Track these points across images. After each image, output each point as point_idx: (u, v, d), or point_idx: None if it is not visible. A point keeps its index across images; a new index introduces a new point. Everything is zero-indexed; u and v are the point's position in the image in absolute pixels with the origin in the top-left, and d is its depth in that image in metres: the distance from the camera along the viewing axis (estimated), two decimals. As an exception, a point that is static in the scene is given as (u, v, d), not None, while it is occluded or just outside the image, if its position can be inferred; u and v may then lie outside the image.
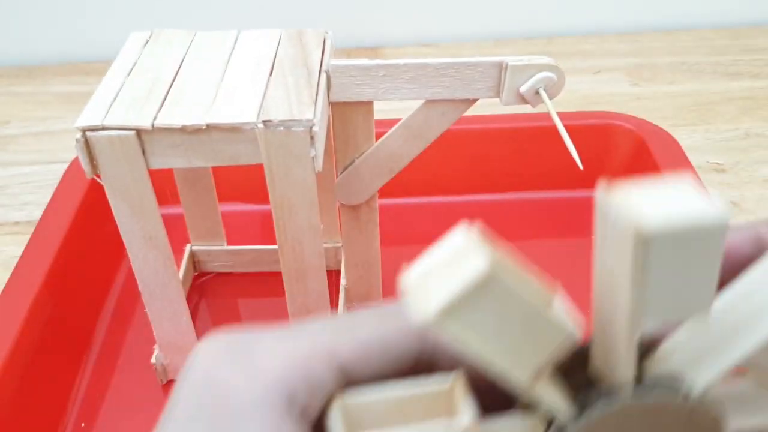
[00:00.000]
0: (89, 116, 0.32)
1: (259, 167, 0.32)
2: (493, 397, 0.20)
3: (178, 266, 0.46)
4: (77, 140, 0.31)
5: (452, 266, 0.18)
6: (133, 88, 0.33)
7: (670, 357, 0.21)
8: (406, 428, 0.19)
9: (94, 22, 0.72)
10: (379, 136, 0.37)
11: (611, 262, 0.18)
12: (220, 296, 0.47)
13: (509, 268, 0.18)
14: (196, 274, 0.48)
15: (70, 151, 0.38)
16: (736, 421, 0.22)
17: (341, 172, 0.39)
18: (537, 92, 0.35)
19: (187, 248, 0.47)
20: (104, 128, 0.31)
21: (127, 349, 0.44)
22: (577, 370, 0.21)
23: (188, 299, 0.47)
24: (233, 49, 0.36)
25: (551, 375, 0.20)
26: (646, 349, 0.20)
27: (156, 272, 0.36)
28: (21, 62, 0.72)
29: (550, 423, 0.20)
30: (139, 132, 0.31)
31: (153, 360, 0.40)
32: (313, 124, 0.31)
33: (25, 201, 0.56)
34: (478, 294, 0.17)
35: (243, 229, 0.49)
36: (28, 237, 0.44)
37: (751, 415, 0.22)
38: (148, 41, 0.37)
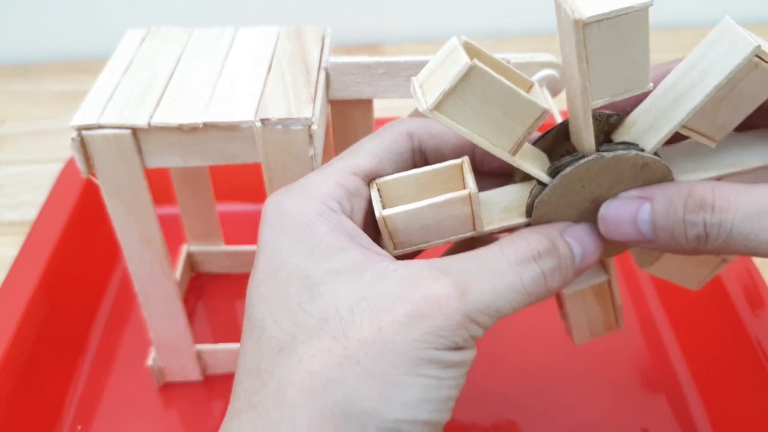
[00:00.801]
0: (85, 115, 0.31)
1: (257, 167, 0.32)
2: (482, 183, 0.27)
3: (175, 267, 0.45)
4: (73, 139, 0.31)
5: (444, 66, 0.24)
6: (130, 86, 0.33)
7: (630, 129, 0.27)
8: (425, 198, 0.26)
9: (89, 20, 0.71)
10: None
11: (566, 50, 0.24)
12: (218, 297, 0.47)
13: (490, 63, 0.24)
14: (193, 275, 0.48)
15: (66, 150, 0.37)
16: (681, 167, 0.27)
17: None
18: (539, 90, 0.35)
19: (184, 249, 0.46)
20: (100, 127, 0.31)
21: (123, 351, 0.43)
22: (559, 147, 0.27)
23: (185, 300, 0.46)
24: (231, 46, 0.36)
25: (538, 154, 0.27)
26: (616, 124, 0.27)
27: (152, 273, 0.35)
28: (16, 61, 0.72)
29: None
30: (135, 131, 0.31)
31: (149, 362, 0.40)
32: (312, 123, 0.30)
33: (21, 201, 0.56)
34: (464, 83, 0.23)
35: (241, 230, 0.49)
36: (23, 237, 0.43)
37: (693, 162, 0.27)
38: (144, 39, 0.36)
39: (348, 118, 0.37)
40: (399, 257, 0.27)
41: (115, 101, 0.32)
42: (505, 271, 0.26)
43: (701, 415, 0.39)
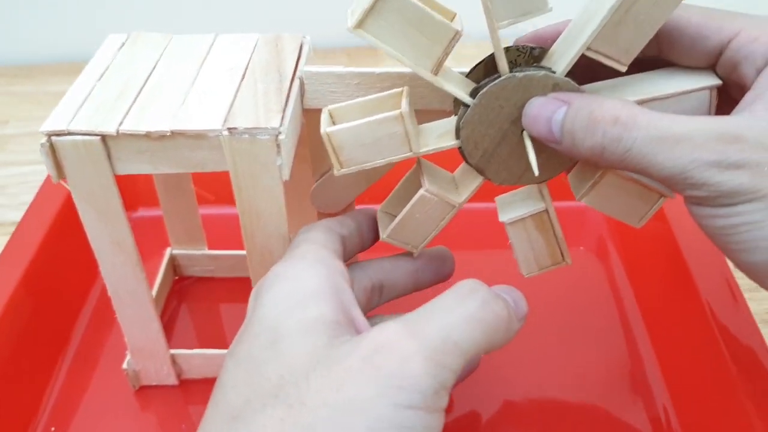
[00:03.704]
0: (55, 120, 0.31)
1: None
2: None
3: (157, 270, 0.46)
4: (42, 145, 0.31)
5: None
6: (103, 91, 0.33)
7: (551, 58, 0.30)
8: (368, 117, 0.29)
9: (92, 21, 0.72)
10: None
11: None
12: (201, 301, 0.47)
13: None
14: (176, 278, 0.48)
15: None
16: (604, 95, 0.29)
17: (317, 180, 0.38)
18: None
19: (167, 252, 0.47)
20: (69, 133, 0.31)
21: (103, 353, 0.43)
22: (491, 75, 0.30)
23: (168, 304, 0.46)
24: (208, 53, 0.36)
25: (467, 82, 0.30)
26: (540, 56, 0.30)
27: (125, 278, 0.36)
28: (19, 62, 0.73)
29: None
30: (104, 137, 0.31)
31: (125, 366, 0.40)
32: (279, 133, 0.30)
33: (24, 201, 0.56)
34: (382, 3, 0.27)
35: (225, 233, 0.49)
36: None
37: (616, 92, 0.29)
38: (124, 44, 0.37)
39: (324, 127, 0.37)
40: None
41: (87, 107, 0.32)
42: (452, 305, 0.26)
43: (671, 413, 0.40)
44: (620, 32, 0.27)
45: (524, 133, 0.30)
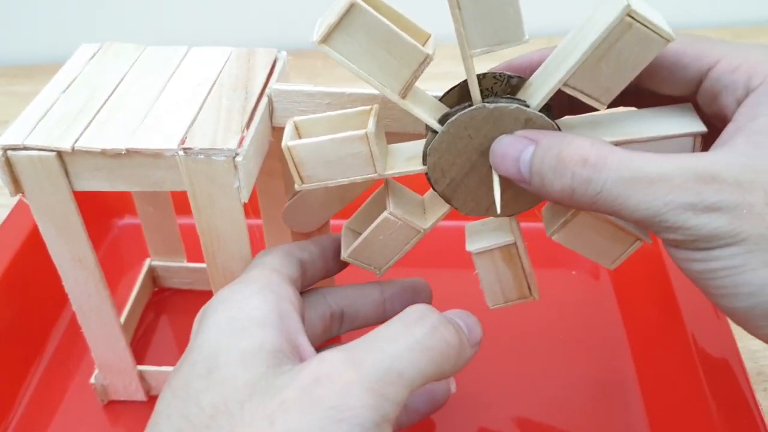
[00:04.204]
0: (12, 135, 0.31)
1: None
2: None
3: (135, 281, 0.45)
4: (-3, 158, 0.30)
5: (335, 4, 0.26)
6: (66, 105, 0.32)
7: (527, 90, 0.28)
8: (333, 134, 0.28)
9: (92, 21, 0.72)
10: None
11: (449, 4, 0.25)
12: (179, 313, 0.46)
13: (383, 9, 0.26)
14: (156, 289, 0.47)
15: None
16: (580, 133, 0.27)
17: (290, 199, 0.37)
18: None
19: (146, 263, 0.46)
20: (25, 148, 0.30)
21: (77, 366, 0.43)
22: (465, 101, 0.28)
23: (145, 315, 0.46)
24: (178, 67, 0.35)
25: (439, 106, 0.29)
26: (518, 86, 0.28)
27: (88, 294, 0.35)
28: (19, 62, 0.73)
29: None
30: (60, 154, 0.30)
31: (92, 380, 0.39)
32: (237, 154, 0.29)
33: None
34: (348, 20, 0.25)
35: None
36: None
37: (593, 130, 0.28)
38: (95, 54, 0.36)
39: (295, 145, 0.36)
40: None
41: (47, 121, 0.31)
42: (398, 333, 0.25)
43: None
44: (601, 70, 0.26)
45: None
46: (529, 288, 0.32)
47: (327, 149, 0.28)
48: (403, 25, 0.27)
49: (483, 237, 0.31)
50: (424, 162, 0.29)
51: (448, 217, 0.31)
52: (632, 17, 0.24)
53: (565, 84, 0.26)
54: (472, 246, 0.31)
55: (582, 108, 0.29)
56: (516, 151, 0.26)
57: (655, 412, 0.39)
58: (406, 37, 0.26)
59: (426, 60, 0.26)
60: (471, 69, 0.27)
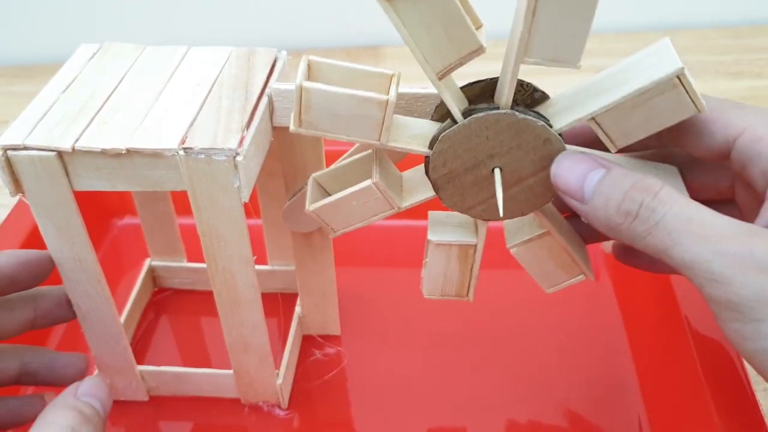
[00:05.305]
0: (12, 134, 0.31)
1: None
2: None
3: (135, 281, 0.45)
4: (-2, 158, 0.30)
5: None
6: (66, 105, 0.32)
7: (548, 108, 0.28)
8: (349, 87, 0.27)
9: (92, 22, 0.72)
10: (331, 161, 0.35)
11: (520, 5, 0.25)
12: (179, 313, 0.46)
13: None
14: (156, 289, 0.47)
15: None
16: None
17: (289, 199, 0.37)
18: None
19: (146, 263, 0.46)
20: (25, 148, 0.30)
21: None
22: (481, 101, 0.28)
23: (145, 315, 0.46)
24: (177, 67, 0.35)
25: (462, 96, 0.28)
26: (539, 101, 0.28)
27: (87, 295, 0.35)
28: (19, 62, 0.73)
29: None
30: (60, 153, 0.30)
31: (92, 380, 0.39)
32: (237, 154, 0.29)
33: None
34: None
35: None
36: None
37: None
38: (95, 54, 0.36)
39: (296, 145, 0.36)
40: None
41: (47, 121, 0.31)
42: None
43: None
44: (630, 116, 0.26)
45: (495, 171, 0.29)
46: (468, 289, 0.33)
47: (342, 102, 0.27)
48: (466, 8, 0.26)
49: (447, 230, 0.32)
50: (431, 145, 0.29)
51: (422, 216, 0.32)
52: (680, 80, 0.25)
53: (591, 119, 0.27)
54: (435, 236, 0.31)
55: (586, 136, 0.30)
56: (585, 169, 0.27)
57: (655, 412, 0.39)
58: (468, 22, 0.25)
59: (478, 50, 0.26)
60: (516, 74, 0.26)
